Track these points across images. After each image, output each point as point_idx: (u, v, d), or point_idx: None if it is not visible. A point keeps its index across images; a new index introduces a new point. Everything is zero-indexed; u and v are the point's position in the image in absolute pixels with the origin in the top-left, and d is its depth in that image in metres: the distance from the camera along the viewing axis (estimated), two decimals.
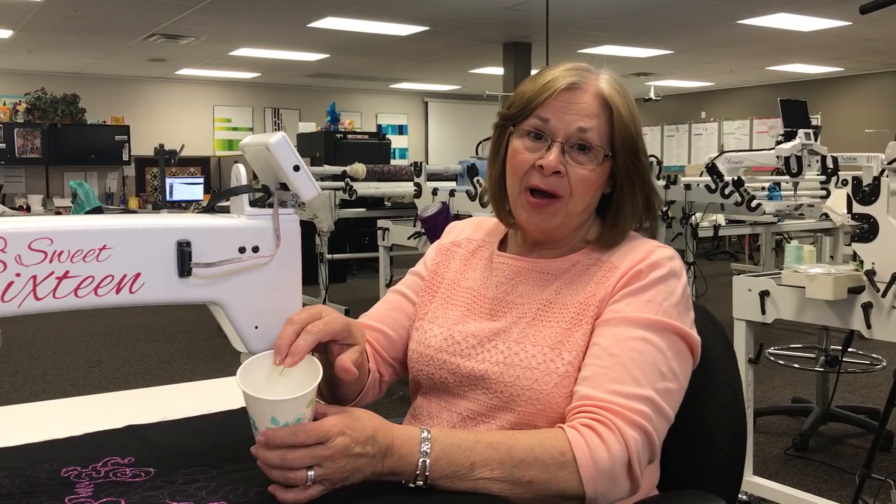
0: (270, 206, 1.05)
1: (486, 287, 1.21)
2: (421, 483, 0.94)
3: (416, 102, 14.47)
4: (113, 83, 11.56)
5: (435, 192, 4.13)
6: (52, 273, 0.91)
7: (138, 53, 9.78)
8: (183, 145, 6.59)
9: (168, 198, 8.72)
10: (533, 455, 0.96)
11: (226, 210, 1.07)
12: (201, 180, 9.08)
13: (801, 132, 4.86)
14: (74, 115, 9.46)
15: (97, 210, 7.49)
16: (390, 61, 10.82)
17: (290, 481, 0.89)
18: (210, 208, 1.06)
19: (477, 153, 4.85)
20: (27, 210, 8.83)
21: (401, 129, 14.35)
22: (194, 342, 5.64)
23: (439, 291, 1.27)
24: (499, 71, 10.27)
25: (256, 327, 1.04)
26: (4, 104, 9.52)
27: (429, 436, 0.95)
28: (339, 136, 8.16)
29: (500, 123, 1.21)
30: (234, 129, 12.91)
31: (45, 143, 9.01)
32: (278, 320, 1.05)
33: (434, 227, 3.88)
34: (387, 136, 9.07)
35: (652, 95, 11.15)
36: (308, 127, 9.87)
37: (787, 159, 4.83)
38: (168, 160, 5.51)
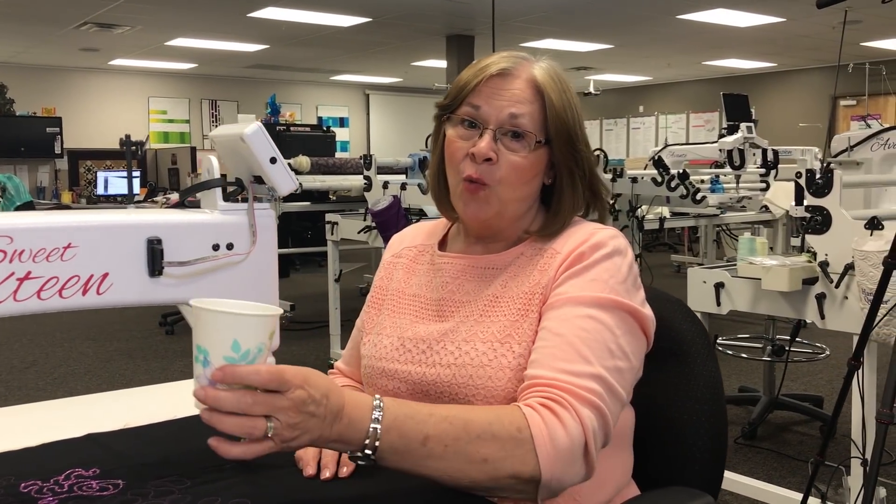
0: (244, 200, 1.00)
1: (431, 289, 1.18)
2: (369, 453, 0.87)
3: (357, 95, 14.35)
4: (43, 73, 11.16)
5: (385, 185, 4.07)
6: (13, 274, 0.85)
7: (70, 42, 9.45)
8: (148, 136, 6.37)
9: (103, 192, 8.46)
10: (490, 431, 0.91)
11: (195, 205, 1.02)
12: (137, 173, 8.81)
13: (743, 126, 4.95)
14: (2, 107, 9.09)
15: (28, 205, 7.22)
16: (331, 53, 10.69)
17: (246, 432, 0.80)
18: (180, 203, 1.00)
19: (427, 146, 4.80)
20: None
21: (342, 122, 14.20)
22: (134, 341, 5.48)
23: (384, 304, 1.24)
24: (442, 64, 10.23)
25: None
26: None
27: (381, 403, 0.89)
28: (281, 128, 8.02)
29: (437, 115, 1.19)
30: (170, 121, 12.60)
31: None
32: None
33: (385, 220, 3.83)
34: (330, 128, 8.94)
35: (591, 89, 11.26)
36: (247, 119, 9.67)
37: (730, 152, 4.91)
38: (134, 152, 5.30)
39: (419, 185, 3.90)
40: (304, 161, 6.05)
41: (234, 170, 1.02)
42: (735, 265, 2.63)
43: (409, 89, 14.16)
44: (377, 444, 0.87)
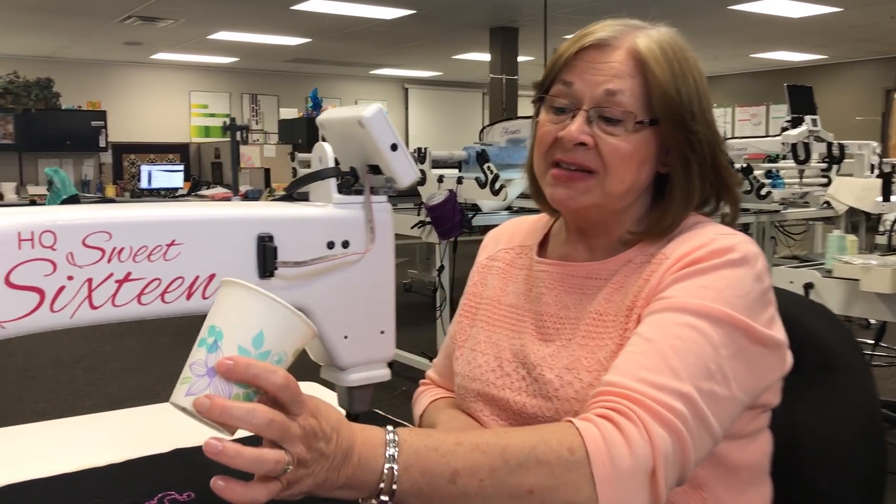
0: (357, 192, 0.88)
1: (530, 300, 1.05)
2: (385, 499, 0.71)
3: (395, 89, 14.25)
4: (87, 67, 11.21)
5: (441, 179, 3.95)
6: (111, 275, 0.74)
7: (114, 36, 9.46)
8: (251, 120, 6.28)
9: (147, 185, 8.45)
10: (534, 456, 0.74)
11: (303, 198, 0.90)
12: (181, 167, 8.80)
13: (808, 118, 4.76)
14: (48, 100, 9.13)
15: (74, 198, 7.21)
16: (372, 46, 10.60)
17: (267, 467, 0.65)
18: (288, 196, 0.89)
19: (480, 139, 4.68)
20: None
21: None
22: (182, 336, 5.43)
23: (478, 314, 1.11)
24: (484, 57, 10.08)
25: (346, 337, 0.87)
26: None
27: (395, 437, 0.73)
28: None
29: (534, 97, 1.03)
30: (211, 115, 12.61)
31: (17, 129, 8.68)
32: (371, 330, 0.89)
33: (441, 215, 3.71)
34: None
35: None
36: (289, 113, 9.63)
37: (794, 146, 4.72)
38: (243, 137, 5.19)
39: (476, 179, 3.78)
40: None
41: (344, 158, 0.90)
42: (822, 264, 2.48)
43: (450, 83, 14.04)
44: (395, 486, 0.71)
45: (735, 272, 0.88)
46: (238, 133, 5.09)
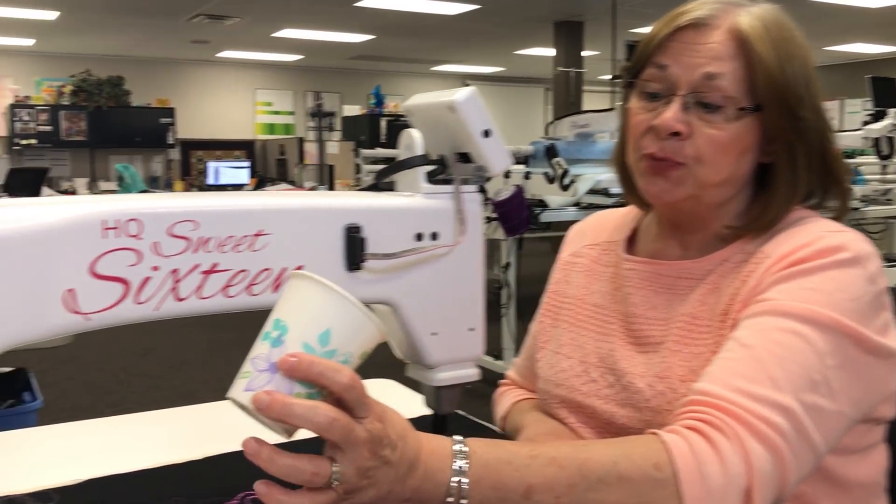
0: (445, 181, 0.84)
1: (616, 301, 0.99)
2: None
3: (456, 85, 14.13)
4: (156, 65, 11.46)
5: (508, 174, 3.90)
6: (197, 266, 0.71)
7: (182, 34, 9.64)
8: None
9: (214, 181, 8.59)
10: (616, 472, 0.68)
11: (389, 188, 0.87)
12: (247, 164, 8.93)
13: (891, 112, 4.56)
14: (119, 98, 9.36)
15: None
16: (434, 42, 10.58)
17: (304, 478, 0.60)
18: (374, 186, 0.85)
19: (547, 133, 4.61)
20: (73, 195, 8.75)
21: None
22: (248, 329, 5.49)
23: (561, 313, 1.05)
24: (548, 52, 9.97)
25: (434, 334, 0.83)
26: (50, 87, 9.44)
27: (464, 449, 0.68)
28: (391, 118, 7.97)
29: (624, 82, 0.96)
30: (275, 112, 12.76)
31: (90, 126, 8.92)
32: (459, 326, 0.84)
33: (507, 211, 3.66)
34: None
35: None
36: (353, 110, 9.70)
37: (876, 140, 4.53)
38: (329, 123, 5.20)
39: (545, 174, 3.71)
40: None
41: (432, 145, 0.86)
42: None
43: (512, 79, 13.93)
44: (463, 501, 0.66)
45: (845, 273, 0.80)
46: (321, 120, 5.02)
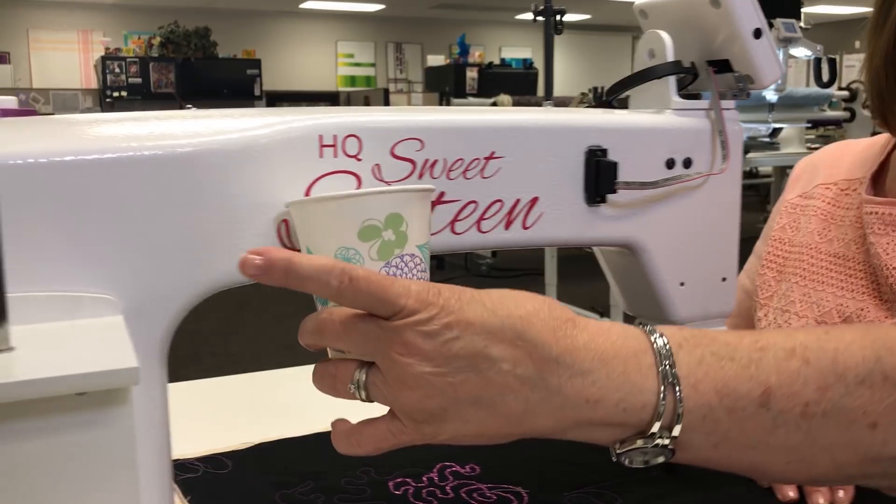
0: (691, 96, 0.69)
1: (861, 251, 0.82)
2: (665, 443, 0.47)
3: (541, 35, 13.82)
4: (242, 17, 11.45)
5: None
6: None
7: None
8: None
9: None
10: (880, 370, 0.48)
11: (623, 106, 0.71)
12: None
13: None
14: (206, 49, 9.37)
15: None
16: None
17: (326, 379, 0.49)
18: (606, 102, 0.70)
19: None
20: None
21: (525, 64, 13.79)
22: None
23: (788, 264, 0.88)
24: None
25: (682, 284, 0.68)
26: (140, 38, 9.52)
27: (667, 344, 0.47)
28: (481, 67, 7.77)
29: None
30: (357, 64, 12.66)
31: (178, 78, 8.97)
32: (711, 275, 0.69)
33: None
34: (534, 65, 8.61)
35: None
36: (436, 60, 9.52)
37: None
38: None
39: None
40: (506, 100, 5.76)
41: (676, 52, 0.70)
42: None
43: (599, 27, 13.47)
44: (678, 419, 0.46)
45: None
46: (554, 18, 4.27)
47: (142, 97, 9.18)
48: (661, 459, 0.48)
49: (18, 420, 0.40)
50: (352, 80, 12.49)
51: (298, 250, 0.51)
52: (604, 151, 0.63)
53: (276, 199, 0.52)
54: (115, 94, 9.09)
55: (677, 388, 0.46)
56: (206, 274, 0.49)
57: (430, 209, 0.52)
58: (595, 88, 3.81)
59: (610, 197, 0.63)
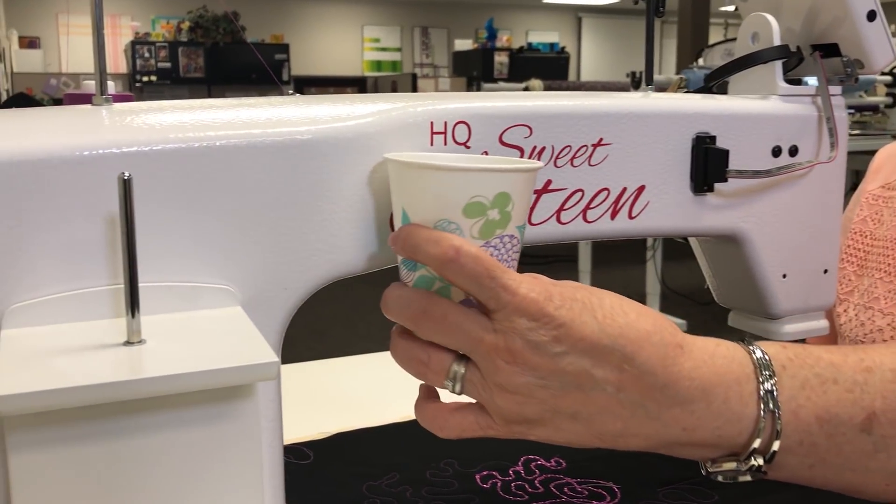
0: (794, 81, 0.66)
1: None
2: (758, 464, 0.46)
3: (569, 19, 13.71)
4: (269, 1, 11.46)
5: None
6: None
7: None
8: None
9: None
10: None
11: (722, 91, 0.69)
12: None
13: None
14: (235, 34, 9.38)
15: None
16: None
17: (414, 366, 0.46)
18: (706, 88, 0.68)
19: (695, 63, 4.30)
20: None
21: (552, 49, 13.68)
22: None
23: (869, 258, 0.85)
24: None
25: (784, 276, 0.66)
26: (168, 23, 9.55)
27: (768, 360, 0.46)
28: (511, 51, 7.71)
29: None
30: (383, 49, 12.62)
31: (207, 62, 8.99)
32: (813, 267, 0.67)
33: None
34: (565, 49, 8.53)
35: None
36: (464, 45, 9.46)
37: None
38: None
39: None
40: (537, 85, 5.71)
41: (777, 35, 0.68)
42: None
43: (628, 11, 13.33)
44: (776, 442, 0.45)
45: None
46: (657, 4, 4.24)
47: (171, 82, 9.21)
48: (750, 478, 0.47)
49: (146, 414, 0.39)
50: (378, 65, 12.46)
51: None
52: (712, 139, 0.60)
53: (387, 186, 0.50)
54: (145, 78, 9.13)
55: (777, 415, 0.45)
56: (324, 264, 0.48)
57: (534, 186, 0.50)
58: (633, 73, 3.75)
59: (722, 185, 0.61)
